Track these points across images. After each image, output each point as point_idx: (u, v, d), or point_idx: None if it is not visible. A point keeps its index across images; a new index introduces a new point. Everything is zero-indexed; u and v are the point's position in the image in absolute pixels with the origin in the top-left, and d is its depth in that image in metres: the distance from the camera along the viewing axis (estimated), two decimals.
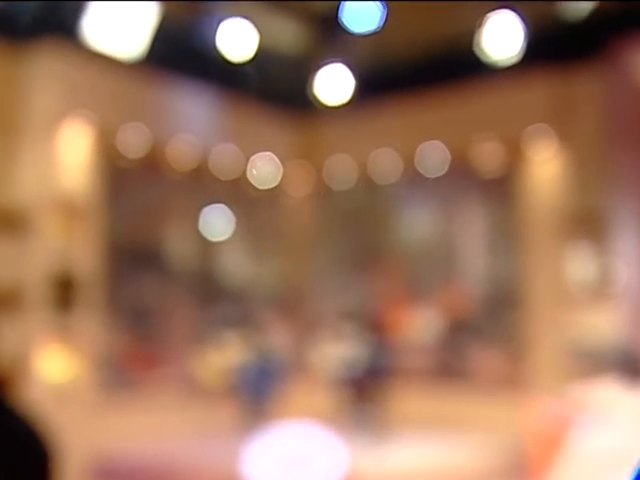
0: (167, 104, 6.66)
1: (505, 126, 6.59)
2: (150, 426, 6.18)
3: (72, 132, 5.97)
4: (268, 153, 7.19)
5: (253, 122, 7.13)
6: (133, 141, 6.38)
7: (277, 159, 7.25)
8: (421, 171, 6.99)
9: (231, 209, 7.17)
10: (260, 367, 6.42)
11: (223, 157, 7.02)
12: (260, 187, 7.22)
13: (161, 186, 6.78)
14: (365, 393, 6.25)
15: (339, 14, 5.70)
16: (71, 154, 5.98)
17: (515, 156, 6.66)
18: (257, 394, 6.31)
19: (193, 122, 6.80)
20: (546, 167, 6.58)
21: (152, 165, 6.62)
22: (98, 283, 6.03)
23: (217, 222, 7.11)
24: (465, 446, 5.91)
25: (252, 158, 7.15)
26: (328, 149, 7.34)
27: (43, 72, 5.85)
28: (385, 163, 7.15)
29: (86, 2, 5.40)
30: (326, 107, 6.54)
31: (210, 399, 6.60)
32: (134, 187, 6.63)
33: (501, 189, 6.77)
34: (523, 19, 5.62)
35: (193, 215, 6.99)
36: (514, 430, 5.34)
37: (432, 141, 6.89)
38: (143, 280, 6.51)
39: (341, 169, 7.35)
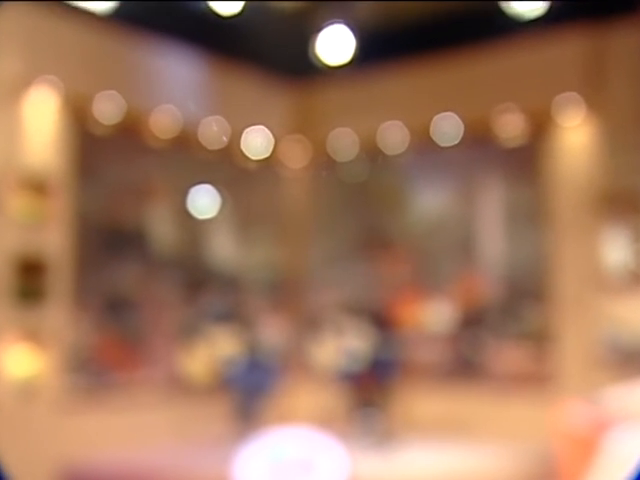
0: (146, 69, 6.12)
1: (530, 93, 6.05)
2: (129, 430, 5.74)
3: (38, 100, 5.49)
4: (261, 126, 6.72)
5: (245, 90, 6.66)
6: (108, 110, 5.87)
7: (272, 132, 6.80)
8: (433, 144, 6.50)
9: (220, 185, 6.71)
10: (252, 364, 6.02)
11: (211, 129, 6.54)
12: (253, 160, 6.79)
13: (141, 160, 6.27)
14: (369, 392, 5.87)
15: None
16: (37, 125, 5.50)
17: (541, 127, 6.14)
18: (249, 394, 5.88)
19: (176, 90, 6.31)
20: (576, 138, 6.05)
21: (130, 137, 6.09)
22: (70, 269, 5.52)
23: (204, 200, 6.64)
24: (483, 452, 5.53)
25: (244, 130, 6.69)
26: (329, 121, 6.88)
27: (2, 33, 5.30)
28: (392, 136, 6.70)
29: None
30: (327, 70, 6.01)
31: (197, 399, 6.16)
32: (110, 161, 6.11)
33: (525, 164, 6.27)
34: None
35: (178, 192, 6.51)
36: (539, 435, 4.99)
37: (446, 113, 6.38)
38: (122, 266, 6.03)
39: (343, 143, 6.92)
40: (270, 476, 4.18)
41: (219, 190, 6.71)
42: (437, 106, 6.45)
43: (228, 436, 5.70)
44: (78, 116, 5.69)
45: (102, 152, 6.00)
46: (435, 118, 6.39)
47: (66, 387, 5.51)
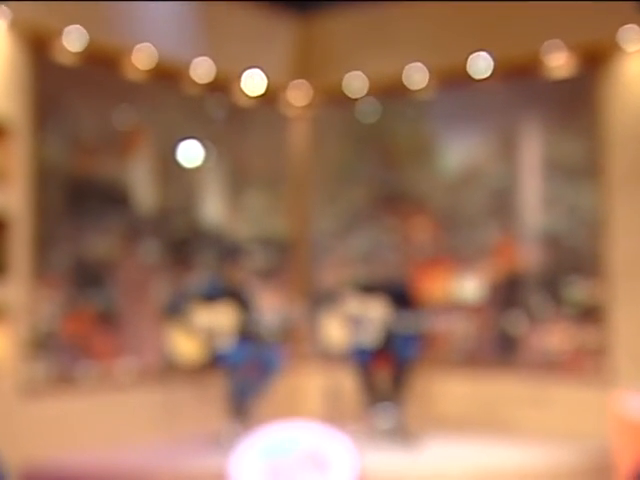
0: None
1: (582, 28, 5.33)
2: (104, 422, 5.20)
3: None
4: (260, 64, 6.09)
5: (240, 26, 6.06)
6: (75, 43, 5.17)
7: (272, 69, 6.19)
8: (464, 84, 5.82)
9: (211, 131, 6.05)
10: (250, 344, 5.33)
11: (200, 71, 5.84)
12: (250, 97, 6.15)
13: (117, 100, 5.55)
14: (385, 375, 5.38)
15: None
16: None
17: (595, 59, 5.42)
18: (246, 379, 5.24)
19: (158, 25, 5.65)
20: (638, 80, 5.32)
21: (104, 73, 5.39)
22: (33, 234, 5.00)
23: (193, 148, 5.97)
24: (520, 447, 5.08)
25: (239, 69, 6.06)
26: (337, 62, 6.29)
27: None
28: (415, 75, 6.00)
29: None
30: None
31: (185, 389, 5.60)
32: (80, 102, 5.32)
33: (574, 105, 5.60)
34: None
35: (162, 137, 5.79)
36: (588, 427, 4.96)
37: (480, 49, 5.69)
38: (96, 230, 5.35)
39: (355, 82, 6.24)
40: (270, 475, 3.94)
41: (210, 137, 6.09)
42: (469, 41, 5.75)
43: (221, 434, 5.21)
44: (40, 50, 5.08)
45: (70, 92, 5.29)
46: (467, 55, 5.74)
47: (30, 374, 4.97)
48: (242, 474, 3.91)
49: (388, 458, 4.81)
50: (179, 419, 5.47)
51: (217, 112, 6.08)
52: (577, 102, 5.55)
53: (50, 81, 5.10)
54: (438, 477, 4.62)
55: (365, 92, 6.18)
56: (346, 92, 6.24)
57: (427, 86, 5.96)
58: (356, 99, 6.23)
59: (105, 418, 5.15)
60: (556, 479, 4.69)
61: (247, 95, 6.10)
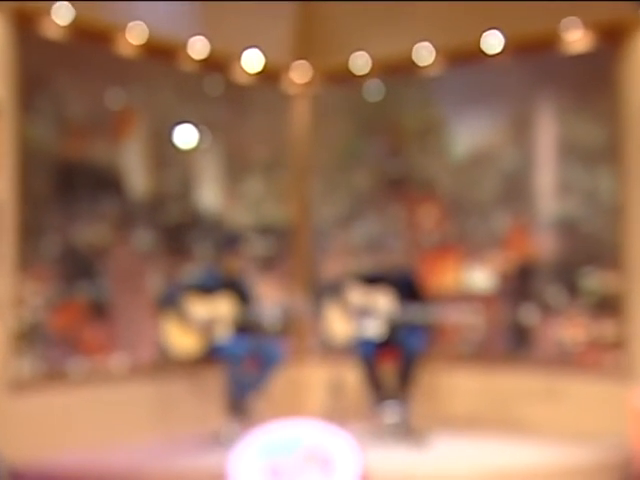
0: None
1: (600, 3, 5.04)
2: (96, 422, 5.01)
3: None
4: (257, 48, 5.88)
5: (239, 1, 5.75)
6: (62, 18, 4.96)
7: (271, 54, 5.99)
8: (475, 61, 5.66)
9: (205, 112, 5.85)
10: (247, 340, 5.21)
11: (196, 49, 5.64)
12: (249, 75, 5.95)
13: (109, 79, 5.35)
14: (391, 375, 5.26)
15: None
16: None
17: (614, 43, 5.23)
18: (243, 376, 5.12)
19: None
20: None
21: (95, 49, 5.18)
22: (19, 221, 4.80)
23: (188, 131, 5.78)
24: (534, 446, 4.90)
25: (237, 50, 5.87)
26: (341, 41, 6.12)
27: None
28: (423, 52, 5.83)
29: None
30: None
31: (181, 384, 5.46)
32: (69, 80, 5.12)
33: (591, 89, 5.41)
34: None
35: (156, 118, 5.60)
36: (606, 425, 4.78)
37: (489, 30, 5.51)
38: (86, 217, 5.20)
39: (358, 66, 6.09)
40: (271, 474, 3.69)
41: (207, 118, 5.89)
42: (480, 18, 5.53)
43: (219, 427, 5.10)
44: (26, 26, 4.86)
45: (59, 70, 5.07)
46: (477, 32, 5.55)
47: (18, 368, 4.81)
48: (241, 474, 3.68)
49: (394, 457, 4.68)
50: (175, 416, 5.33)
51: (214, 92, 5.90)
52: (595, 81, 5.37)
53: (37, 59, 4.90)
54: (446, 477, 4.46)
55: (370, 72, 6.02)
56: (350, 72, 6.07)
57: (435, 65, 5.79)
58: (360, 79, 6.07)
59: (97, 414, 4.98)
60: (572, 478, 4.54)
61: (246, 75, 5.91)
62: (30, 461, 4.54)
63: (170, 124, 5.64)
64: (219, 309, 5.14)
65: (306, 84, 6.22)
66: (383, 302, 5.13)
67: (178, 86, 5.65)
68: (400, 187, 6.13)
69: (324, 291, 5.55)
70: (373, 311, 5.15)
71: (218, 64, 5.75)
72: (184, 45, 5.52)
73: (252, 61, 5.87)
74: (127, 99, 5.44)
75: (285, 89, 6.20)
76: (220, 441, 4.84)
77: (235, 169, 6.05)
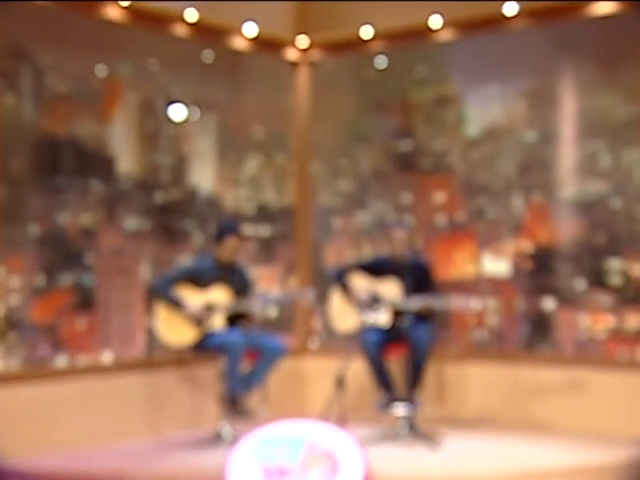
0: None
1: None
2: (80, 418, 4.80)
3: None
4: (256, 17, 5.67)
5: None
6: None
7: (270, 24, 5.79)
8: (488, 29, 5.48)
9: (200, 85, 5.71)
10: (245, 332, 5.01)
11: (190, 17, 5.41)
12: (247, 39, 5.73)
13: (92, 44, 5.14)
14: (399, 369, 5.05)
15: None
16: None
17: None
18: (241, 370, 4.92)
19: None
20: None
21: (78, 14, 4.94)
22: None
23: (181, 106, 5.64)
24: (555, 447, 4.70)
25: (235, 20, 5.65)
26: (346, 9, 5.91)
27: None
28: (431, 23, 5.61)
29: None
30: None
31: (174, 378, 5.31)
32: (51, 50, 4.96)
33: (617, 57, 5.23)
34: None
35: (145, 89, 5.46)
36: (627, 422, 4.66)
37: None
38: (68, 201, 5.04)
39: (364, 36, 5.88)
40: (272, 476, 3.76)
41: (203, 92, 5.75)
42: None
43: (216, 424, 4.98)
44: None
45: (38, 38, 4.91)
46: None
47: None
48: (240, 475, 3.70)
49: (402, 457, 4.53)
50: (167, 413, 5.17)
51: (210, 64, 5.76)
52: (621, 48, 5.20)
53: (16, 27, 4.73)
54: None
55: (375, 42, 5.86)
56: (354, 41, 5.91)
57: (447, 33, 5.63)
58: (365, 50, 5.93)
59: (81, 410, 4.80)
60: (594, 477, 4.34)
61: (245, 44, 5.74)
62: (10, 460, 4.33)
63: (162, 97, 5.50)
64: (215, 298, 4.97)
65: (307, 57, 6.07)
66: (390, 292, 4.96)
67: (171, 57, 5.50)
68: (409, 166, 6.02)
69: (327, 279, 5.42)
70: (380, 301, 5.01)
71: (214, 34, 5.59)
72: (178, 12, 5.32)
73: (250, 32, 5.69)
74: (115, 71, 5.29)
75: (285, 62, 6.05)
76: (217, 440, 4.76)
77: (232, 148, 5.94)
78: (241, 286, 5.08)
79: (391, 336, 4.96)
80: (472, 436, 4.97)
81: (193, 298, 4.89)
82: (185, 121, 5.69)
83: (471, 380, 5.50)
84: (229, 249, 5.03)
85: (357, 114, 6.25)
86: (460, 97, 5.88)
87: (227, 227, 5.16)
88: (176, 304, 4.83)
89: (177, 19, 5.32)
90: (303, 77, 6.13)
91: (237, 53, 5.76)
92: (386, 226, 5.60)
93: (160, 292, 4.88)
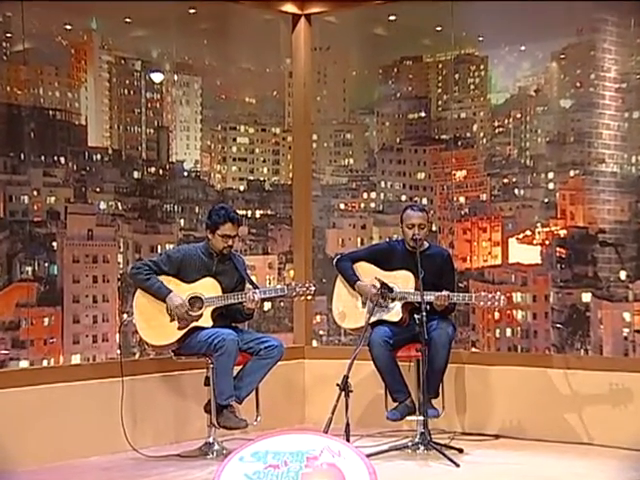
0: None
1: None
2: (47, 425, 4.44)
3: None
4: None
5: None
6: None
7: None
8: None
9: (186, 44, 5.52)
10: (237, 328, 4.71)
11: None
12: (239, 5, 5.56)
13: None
14: (412, 371, 4.75)
15: None
16: None
17: None
18: (232, 371, 4.59)
19: None
20: None
21: None
22: None
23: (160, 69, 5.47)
24: (592, 461, 4.44)
25: None
26: None
27: None
28: None
29: None
30: None
31: (154, 381, 5.00)
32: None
33: None
34: None
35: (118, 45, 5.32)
36: None
37: None
38: (35, 175, 4.94)
39: None
40: None
41: (188, 52, 5.60)
42: None
43: (203, 432, 4.71)
44: None
45: None
46: None
47: None
48: None
49: (417, 475, 4.29)
50: (145, 422, 4.84)
51: (194, 18, 5.49)
52: None
53: None
54: None
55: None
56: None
57: None
58: (375, 2, 5.70)
59: (46, 421, 4.45)
60: None
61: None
62: None
63: (140, 57, 5.31)
64: (203, 289, 4.64)
65: (306, 7, 5.76)
66: (403, 283, 4.66)
67: (149, 11, 5.21)
68: (425, 140, 5.87)
69: (330, 269, 5.14)
70: (391, 295, 4.67)
71: None
72: None
73: None
74: (83, 27, 5.10)
75: (281, 13, 5.78)
76: (203, 454, 4.53)
77: (220, 117, 5.82)
78: (236, 279, 4.80)
79: (404, 335, 4.61)
80: (496, 451, 4.79)
81: (178, 290, 4.55)
82: (165, 86, 5.47)
83: (496, 386, 5.24)
84: (224, 239, 4.78)
85: (364, 78, 6.07)
86: (484, 58, 5.72)
87: (223, 214, 4.92)
88: (157, 295, 4.45)
89: None
90: (302, 34, 5.83)
91: (225, 6, 5.55)
92: (398, 208, 5.28)
93: (138, 281, 4.55)
